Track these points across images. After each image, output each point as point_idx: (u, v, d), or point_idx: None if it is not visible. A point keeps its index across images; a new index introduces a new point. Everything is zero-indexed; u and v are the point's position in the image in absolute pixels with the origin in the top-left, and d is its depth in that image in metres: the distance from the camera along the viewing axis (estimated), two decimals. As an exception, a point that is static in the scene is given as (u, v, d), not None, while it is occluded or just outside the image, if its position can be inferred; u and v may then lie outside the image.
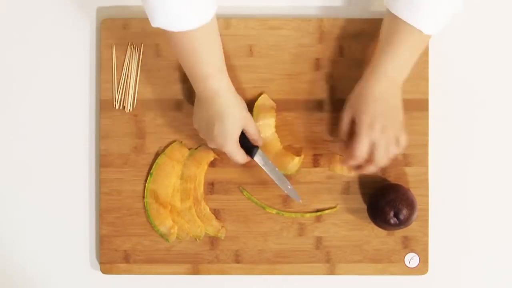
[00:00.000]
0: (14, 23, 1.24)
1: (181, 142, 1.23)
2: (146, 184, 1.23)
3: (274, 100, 1.22)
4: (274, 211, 1.23)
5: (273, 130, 1.23)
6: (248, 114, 1.17)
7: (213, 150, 1.22)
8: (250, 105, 1.21)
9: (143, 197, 1.23)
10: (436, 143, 1.24)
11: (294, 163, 1.21)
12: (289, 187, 1.20)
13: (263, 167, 1.19)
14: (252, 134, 1.17)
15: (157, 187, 1.22)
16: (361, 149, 1.11)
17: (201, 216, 1.23)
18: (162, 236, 1.22)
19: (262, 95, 1.22)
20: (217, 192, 1.23)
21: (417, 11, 1.07)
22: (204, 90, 1.13)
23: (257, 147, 1.18)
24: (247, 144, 1.18)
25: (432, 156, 1.23)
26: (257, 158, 1.19)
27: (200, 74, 1.11)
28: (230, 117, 1.13)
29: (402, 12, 1.08)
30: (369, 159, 1.12)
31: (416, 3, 1.07)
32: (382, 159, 1.12)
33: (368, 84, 1.12)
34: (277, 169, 1.20)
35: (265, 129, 1.22)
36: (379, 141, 1.11)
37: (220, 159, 1.23)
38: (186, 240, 1.23)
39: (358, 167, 1.15)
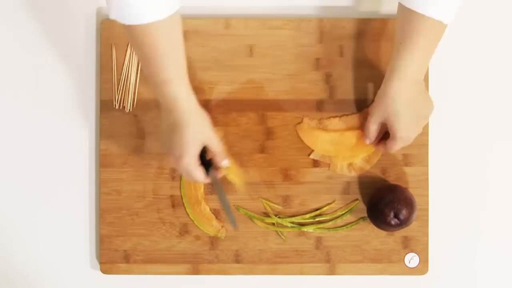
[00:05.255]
0: (13, 23, 1.24)
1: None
2: (183, 201, 1.23)
3: (274, 100, 1.22)
4: (273, 221, 1.22)
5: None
6: (212, 131, 1.10)
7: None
8: (250, 104, 1.22)
9: (144, 197, 1.23)
10: (436, 143, 1.24)
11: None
12: (231, 216, 1.17)
13: (213, 188, 1.18)
14: (214, 152, 1.11)
15: (188, 200, 1.23)
16: (395, 149, 1.15)
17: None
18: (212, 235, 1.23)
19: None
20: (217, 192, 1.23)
21: (431, 0, 1.04)
22: (162, 96, 1.07)
23: (211, 165, 1.12)
24: (206, 162, 1.12)
25: (432, 156, 1.23)
26: (209, 178, 1.13)
27: (156, 78, 1.06)
28: (191, 127, 1.06)
29: (418, 4, 1.05)
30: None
31: None
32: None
33: (393, 89, 1.09)
34: (226, 196, 1.18)
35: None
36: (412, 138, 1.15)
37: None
38: (186, 240, 1.23)
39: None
